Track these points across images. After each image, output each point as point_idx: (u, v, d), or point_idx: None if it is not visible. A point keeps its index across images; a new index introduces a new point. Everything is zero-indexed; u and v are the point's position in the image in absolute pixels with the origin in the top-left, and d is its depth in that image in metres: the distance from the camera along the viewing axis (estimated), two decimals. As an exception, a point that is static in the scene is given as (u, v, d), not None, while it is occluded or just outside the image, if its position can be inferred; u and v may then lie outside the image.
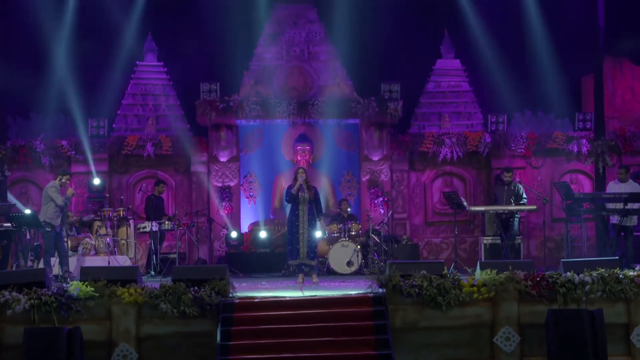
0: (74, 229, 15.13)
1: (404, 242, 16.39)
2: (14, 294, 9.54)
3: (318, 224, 13.27)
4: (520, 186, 14.85)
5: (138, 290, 9.73)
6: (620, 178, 14.07)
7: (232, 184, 17.17)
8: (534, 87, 17.44)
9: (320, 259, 14.19)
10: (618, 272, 10.13)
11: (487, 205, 15.66)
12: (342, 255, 14.80)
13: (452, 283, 9.87)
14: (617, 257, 11.55)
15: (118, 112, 17.47)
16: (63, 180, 13.35)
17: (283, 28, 17.71)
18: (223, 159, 17.22)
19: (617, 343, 9.87)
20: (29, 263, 13.48)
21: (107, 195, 16.77)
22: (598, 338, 9.25)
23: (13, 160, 16.68)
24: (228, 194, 17.04)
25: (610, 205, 13.37)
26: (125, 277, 10.08)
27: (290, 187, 13.24)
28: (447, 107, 17.90)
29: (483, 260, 13.97)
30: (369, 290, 10.15)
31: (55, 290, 9.63)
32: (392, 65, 17.40)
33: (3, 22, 16.45)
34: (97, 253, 14.53)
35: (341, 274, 14.64)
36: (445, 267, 10.46)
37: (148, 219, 15.31)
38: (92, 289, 9.65)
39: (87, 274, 10.01)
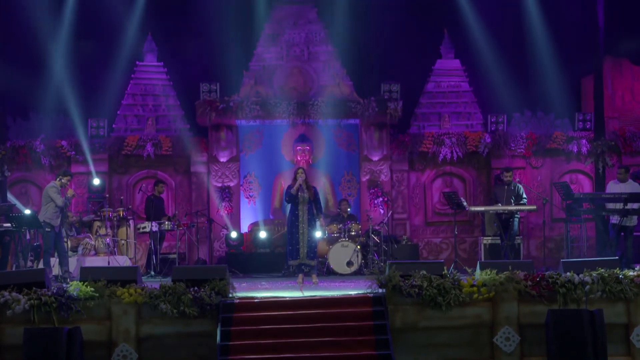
0: (73, 229, 15.13)
1: (404, 242, 16.40)
2: (13, 294, 9.54)
3: (318, 223, 13.27)
4: (520, 186, 14.85)
5: (138, 291, 9.73)
6: (620, 178, 14.08)
7: (232, 184, 17.18)
8: (534, 87, 17.46)
9: (320, 259, 14.19)
10: (618, 272, 10.12)
11: (487, 205, 15.66)
12: (342, 255, 14.80)
13: (452, 283, 9.87)
14: (617, 257, 11.55)
15: (118, 112, 17.47)
16: (63, 181, 13.35)
17: (283, 28, 17.71)
18: (223, 159, 17.22)
19: (617, 343, 9.86)
20: (29, 263, 13.47)
21: (107, 195, 16.77)
22: (598, 338, 9.25)
23: (13, 160, 16.69)
24: (228, 194, 17.04)
25: (610, 205, 13.37)
26: (125, 277, 10.08)
27: (289, 187, 13.24)
28: (446, 107, 17.91)
29: (483, 260, 13.94)
30: (369, 290, 10.15)
31: (55, 291, 9.62)
32: (392, 66, 17.41)
33: (3, 23, 16.44)
34: (97, 253, 14.54)
35: (341, 274, 14.64)
36: (445, 267, 10.45)
37: (148, 219, 15.31)
38: (92, 289, 9.65)
39: (87, 274, 10.01)
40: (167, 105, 17.57)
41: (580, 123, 17.33)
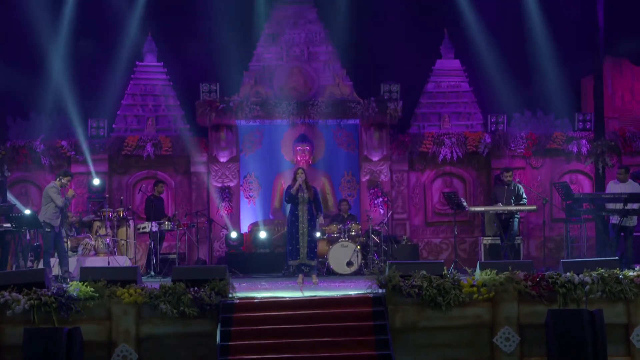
0: (73, 229, 15.13)
1: (404, 242, 16.40)
2: (13, 294, 9.54)
3: (318, 223, 13.25)
4: (520, 186, 14.86)
5: (138, 291, 9.73)
6: (620, 178, 14.09)
7: (231, 184, 17.18)
8: (534, 88, 17.46)
9: (320, 259, 14.20)
10: (618, 272, 10.13)
11: (486, 205, 15.66)
12: (342, 255, 14.80)
13: (452, 283, 9.87)
14: (616, 258, 11.55)
15: (118, 112, 17.47)
16: (63, 181, 13.35)
17: (283, 28, 17.71)
18: (223, 160, 17.22)
19: (617, 343, 9.87)
20: (29, 263, 13.48)
21: (107, 195, 16.77)
22: (598, 338, 9.25)
23: (13, 160, 16.68)
24: (228, 195, 17.04)
25: (610, 206, 13.37)
26: (125, 277, 10.08)
27: (289, 188, 13.25)
28: (446, 107, 17.90)
29: (483, 260, 13.95)
30: (369, 290, 10.14)
31: (55, 291, 9.62)
32: (392, 66, 17.40)
33: (3, 23, 16.44)
34: (97, 253, 14.54)
35: (341, 275, 14.64)
36: (445, 268, 10.46)
37: (148, 219, 15.31)
38: (92, 289, 9.65)
39: (86, 274, 10.01)
40: (167, 105, 17.57)
41: (580, 123, 17.33)
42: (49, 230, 12.94)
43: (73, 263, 13.67)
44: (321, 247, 14.70)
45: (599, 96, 16.79)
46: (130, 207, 16.21)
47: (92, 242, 14.66)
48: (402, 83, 17.18)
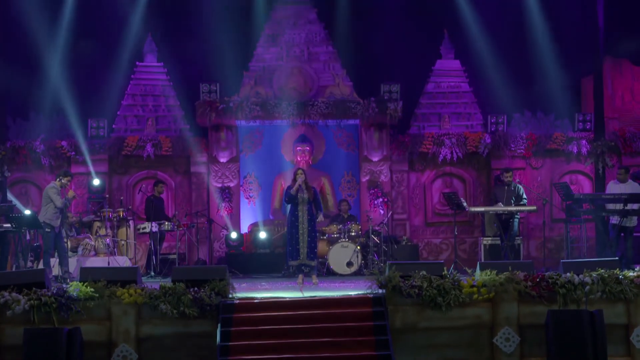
0: (73, 229, 15.13)
1: (404, 242, 16.39)
2: (13, 294, 9.54)
3: (318, 218, 13.24)
4: (521, 187, 14.86)
5: (138, 291, 9.73)
6: (620, 179, 14.09)
7: (231, 184, 17.17)
8: (534, 88, 17.45)
9: (320, 259, 14.19)
10: (618, 272, 10.13)
11: (486, 205, 15.66)
12: (342, 255, 14.80)
13: (452, 284, 9.87)
14: (616, 258, 11.55)
15: (118, 112, 17.46)
16: (63, 182, 13.35)
17: (283, 29, 17.71)
18: (223, 160, 17.22)
19: (617, 344, 9.86)
20: (29, 264, 13.48)
21: (107, 196, 16.77)
22: (598, 339, 9.25)
23: (13, 161, 16.68)
24: (228, 195, 17.04)
25: (610, 206, 13.37)
26: (125, 277, 10.08)
27: (289, 188, 13.25)
28: (446, 107, 17.90)
29: (483, 260, 13.96)
30: (369, 291, 10.14)
31: (55, 291, 9.62)
32: (392, 66, 17.40)
33: (3, 23, 16.44)
34: (97, 254, 14.54)
35: (341, 275, 14.64)
36: (445, 268, 10.46)
37: (148, 219, 15.31)
38: (92, 289, 9.65)
39: (86, 274, 10.01)
40: (167, 105, 17.57)
41: (580, 124, 17.33)
42: (49, 230, 12.94)
43: (73, 263, 13.67)
44: (321, 247, 14.70)
45: (599, 96, 16.79)
46: (130, 207, 16.21)
47: (92, 243, 14.66)
48: (402, 83, 17.18)
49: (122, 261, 14.27)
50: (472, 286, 9.91)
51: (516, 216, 14.42)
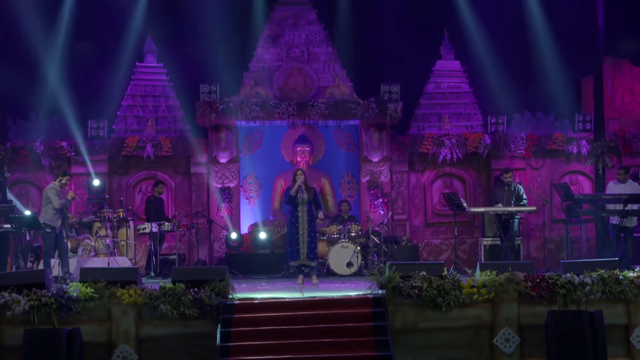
0: (73, 230, 15.13)
1: (404, 243, 16.39)
2: (13, 295, 9.54)
3: (318, 216, 13.23)
4: (521, 187, 14.86)
5: (138, 292, 9.73)
6: (620, 179, 14.09)
7: (231, 185, 17.17)
8: (534, 88, 17.44)
9: (320, 260, 14.19)
10: (618, 273, 10.13)
11: (486, 206, 15.66)
12: (342, 256, 14.80)
13: (452, 284, 9.87)
14: (616, 258, 11.55)
15: (118, 113, 17.46)
16: (63, 182, 13.35)
17: (283, 29, 17.72)
18: (223, 160, 17.21)
19: (617, 344, 9.87)
20: (29, 264, 13.48)
21: (107, 196, 16.77)
22: (598, 339, 9.25)
23: (13, 161, 16.68)
24: (228, 195, 17.03)
25: (610, 206, 13.37)
26: (125, 278, 10.08)
27: (289, 189, 13.25)
28: (446, 108, 17.89)
29: (483, 261, 13.97)
30: (369, 291, 10.15)
31: (55, 292, 9.63)
32: (392, 67, 17.40)
33: (3, 23, 16.43)
34: (96, 254, 14.54)
35: (341, 275, 14.64)
36: (445, 268, 10.46)
37: (148, 220, 15.31)
38: (92, 290, 9.65)
39: (86, 275, 10.02)
40: (167, 106, 17.58)
41: (580, 124, 17.33)
42: (49, 231, 12.94)
43: (73, 264, 13.67)
44: (321, 248, 14.70)
45: (599, 97, 16.78)
46: (130, 208, 16.21)
47: (92, 243, 14.65)
48: (402, 84, 17.17)
49: (122, 262, 14.27)
50: (472, 287, 9.91)
51: (516, 217, 14.42)
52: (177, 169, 17.41)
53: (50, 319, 9.48)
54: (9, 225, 13.12)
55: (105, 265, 13.59)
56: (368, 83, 17.36)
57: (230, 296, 10.02)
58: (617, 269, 10.29)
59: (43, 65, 16.61)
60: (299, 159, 17.13)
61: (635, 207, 13.20)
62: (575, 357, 9.19)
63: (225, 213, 16.91)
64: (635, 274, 10.23)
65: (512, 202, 14.46)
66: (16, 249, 13.27)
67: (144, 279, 11.68)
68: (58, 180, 13.35)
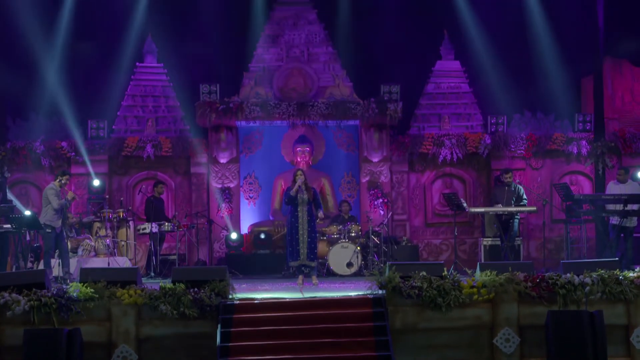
0: (73, 230, 15.13)
1: (404, 243, 16.39)
2: (13, 295, 9.54)
3: (318, 215, 13.23)
4: (521, 187, 14.87)
5: (138, 292, 9.73)
6: (620, 179, 14.10)
7: (232, 185, 17.17)
8: (534, 88, 17.44)
9: (320, 260, 14.19)
10: (618, 273, 10.13)
11: (486, 206, 15.66)
12: (342, 256, 14.80)
13: (452, 284, 9.87)
14: (617, 259, 11.55)
15: (118, 113, 17.46)
16: (63, 182, 13.34)
17: (283, 29, 17.72)
18: (223, 160, 17.21)
19: (617, 344, 9.87)
20: (29, 264, 13.47)
21: (107, 196, 16.77)
22: (598, 339, 9.24)
23: (13, 161, 16.68)
24: (228, 195, 17.04)
25: (610, 207, 13.37)
26: (125, 278, 10.08)
27: (289, 189, 13.25)
28: (446, 108, 17.89)
29: (483, 261, 13.96)
30: (369, 291, 10.14)
31: (55, 292, 9.63)
32: (392, 67, 17.40)
33: (3, 23, 16.43)
34: (97, 254, 14.53)
35: (341, 275, 14.64)
36: (445, 269, 10.45)
37: (148, 220, 15.30)
38: (92, 290, 9.65)
39: (86, 275, 10.02)
40: (167, 106, 17.58)
41: (580, 124, 17.33)
42: (49, 231, 12.93)
43: (73, 264, 13.66)
44: (321, 248, 14.70)
45: (599, 97, 16.79)
46: (130, 208, 16.21)
47: (92, 243, 14.65)
48: (402, 84, 17.18)
49: (122, 262, 14.27)
50: (472, 287, 9.91)
51: (516, 217, 14.42)
52: (177, 169, 17.41)
53: (50, 319, 9.48)
54: (9, 225, 13.12)
55: (105, 266, 13.59)
56: (368, 83, 17.36)
57: (230, 296, 10.02)
58: (617, 269, 10.28)
59: (43, 66, 16.61)
60: (299, 159, 17.13)
61: (635, 207, 13.20)
62: (575, 357, 9.19)
63: (225, 213, 16.91)
64: (635, 274, 10.23)
65: (512, 202, 14.46)
66: (16, 249, 13.27)
67: (144, 279, 11.68)
68: (58, 180, 13.34)
